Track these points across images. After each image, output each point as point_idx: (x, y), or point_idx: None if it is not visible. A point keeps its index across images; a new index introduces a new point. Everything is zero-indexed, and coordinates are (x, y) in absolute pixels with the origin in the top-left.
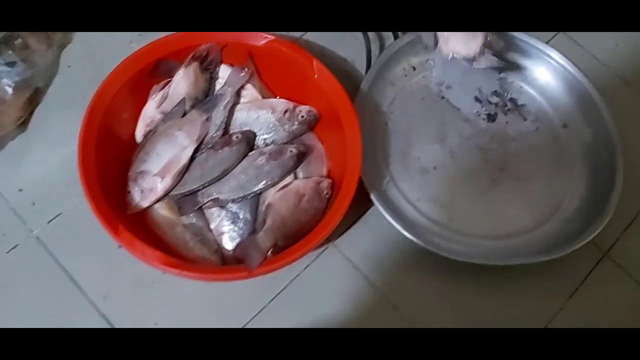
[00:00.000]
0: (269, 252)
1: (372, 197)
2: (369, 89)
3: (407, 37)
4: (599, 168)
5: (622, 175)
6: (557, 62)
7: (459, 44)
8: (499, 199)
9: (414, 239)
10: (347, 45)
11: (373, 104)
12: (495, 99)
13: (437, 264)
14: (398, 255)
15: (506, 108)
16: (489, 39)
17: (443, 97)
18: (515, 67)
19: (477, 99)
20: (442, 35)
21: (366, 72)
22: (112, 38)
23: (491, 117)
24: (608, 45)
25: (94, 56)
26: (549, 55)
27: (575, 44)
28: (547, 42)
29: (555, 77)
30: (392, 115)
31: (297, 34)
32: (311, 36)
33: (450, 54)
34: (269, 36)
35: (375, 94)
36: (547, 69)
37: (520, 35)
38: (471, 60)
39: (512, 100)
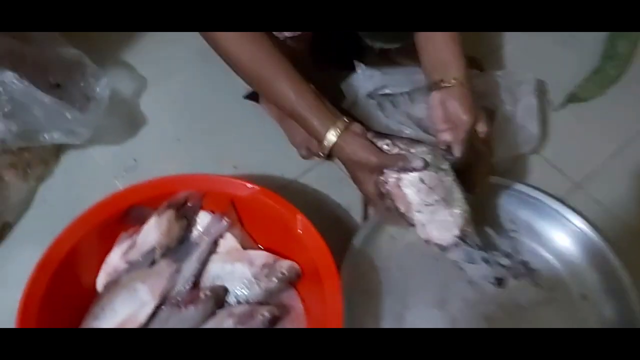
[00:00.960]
0: None
1: None
2: (365, 240)
3: None
4: None
5: None
6: (575, 225)
7: (433, 232)
8: None
9: None
10: (344, 190)
11: (368, 258)
12: (505, 261)
13: None
14: None
15: (517, 272)
16: (465, 232)
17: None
18: (525, 226)
19: (485, 260)
20: (419, 223)
21: (362, 219)
22: (95, 172)
23: (500, 282)
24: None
25: (73, 191)
26: (565, 217)
27: (595, 202)
28: (563, 202)
29: (573, 240)
30: (388, 272)
31: (292, 176)
32: (307, 179)
33: (425, 240)
34: (253, 186)
35: (371, 246)
36: (564, 232)
37: (534, 194)
38: (444, 249)
39: (524, 263)
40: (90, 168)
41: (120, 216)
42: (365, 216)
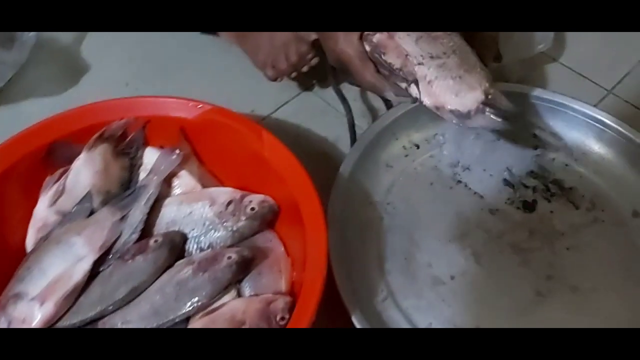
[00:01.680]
0: None
1: (355, 321)
2: (355, 172)
3: (405, 105)
4: None
5: None
6: (614, 130)
7: (447, 95)
8: (548, 320)
9: None
10: (328, 121)
11: (362, 192)
12: (532, 182)
13: None
14: None
15: (549, 193)
16: (490, 94)
17: (459, 182)
18: (553, 138)
19: (506, 182)
20: (423, 79)
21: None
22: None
23: (528, 206)
24: None
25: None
26: (601, 122)
27: (631, 108)
28: (595, 107)
29: (613, 150)
30: (390, 206)
31: (266, 111)
32: (283, 113)
33: (434, 107)
34: (205, 105)
35: (365, 178)
36: (600, 140)
37: (558, 99)
38: (463, 117)
39: (556, 182)
40: (24, 125)
41: (41, 156)
42: (354, 139)
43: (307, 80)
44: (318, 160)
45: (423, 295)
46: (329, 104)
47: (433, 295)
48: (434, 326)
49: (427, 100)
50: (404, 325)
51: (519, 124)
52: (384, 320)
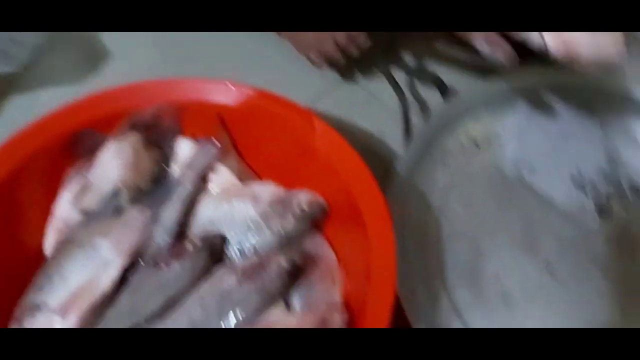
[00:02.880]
0: None
1: None
2: (411, 171)
3: (463, 96)
4: None
5: None
6: None
7: (581, 35)
8: None
9: None
10: (373, 114)
11: (419, 195)
12: (606, 186)
13: None
14: None
15: (624, 197)
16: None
17: (525, 184)
18: (625, 137)
19: (577, 185)
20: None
21: (405, 146)
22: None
23: (604, 211)
24: None
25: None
26: None
27: None
28: None
29: None
30: (449, 210)
31: (303, 102)
32: (323, 104)
33: (565, 51)
34: (246, 89)
35: (421, 179)
36: None
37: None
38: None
39: (632, 185)
40: (40, 115)
41: (63, 145)
42: (408, 133)
43: (350, 68)
44: (364, 156)
45: (493, 311)
46: (374, 96)
47: (505, 312)
48: None
49: (554, 44)
50: None
51: None
52: None
